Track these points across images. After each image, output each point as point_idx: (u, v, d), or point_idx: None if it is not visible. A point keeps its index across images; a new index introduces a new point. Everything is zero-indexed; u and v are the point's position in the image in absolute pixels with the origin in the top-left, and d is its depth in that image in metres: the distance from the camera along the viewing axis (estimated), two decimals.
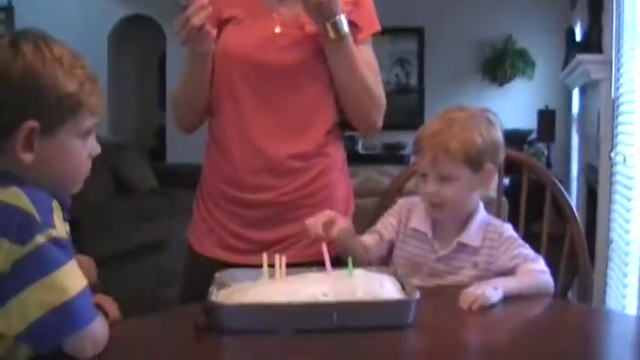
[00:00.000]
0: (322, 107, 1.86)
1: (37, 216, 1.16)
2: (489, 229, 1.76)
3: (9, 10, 8.04)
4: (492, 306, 1.53)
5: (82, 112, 1.25)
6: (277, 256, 1.50)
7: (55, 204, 1.22)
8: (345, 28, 1.78)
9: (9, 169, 1.22)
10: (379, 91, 1.93)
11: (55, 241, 1.17)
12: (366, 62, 1.90)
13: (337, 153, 1.95)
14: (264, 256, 1.52)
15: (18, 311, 1.15)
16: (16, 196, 1.17)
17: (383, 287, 1.46)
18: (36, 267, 1.15)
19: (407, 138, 7.24)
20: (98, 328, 1.22)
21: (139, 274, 5.33)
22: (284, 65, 1.80)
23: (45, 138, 1.22)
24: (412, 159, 1.80)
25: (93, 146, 1.32)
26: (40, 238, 1.15)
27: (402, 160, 7.16)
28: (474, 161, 1.69)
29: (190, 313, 1.42)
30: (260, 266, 1.55)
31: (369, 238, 1.81)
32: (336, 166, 1.94)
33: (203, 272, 1.60)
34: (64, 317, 1.17)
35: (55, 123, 1.22)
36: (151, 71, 9.18)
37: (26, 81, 1.19)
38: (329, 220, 1.66)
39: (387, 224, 1.83)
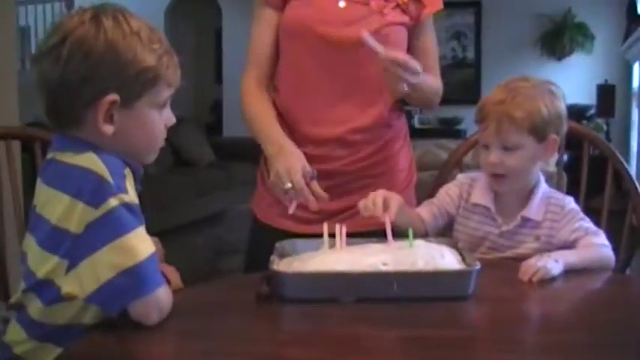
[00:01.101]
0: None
1: (110, 180, 1.20)
2: (551, 202, 1.75)
3: None
4: (553, 279, 1.52)
5: (160, 85, 1.29)
6: (338, 226, 1.52)
7: (128, 171, 1.26)
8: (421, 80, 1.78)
9: (86, 138, 1.26)
10: (439, 84, 1.95)
11: (127, 206, 1.21)
12: (428, 51, 1.93)
13: (400, 124, 1.97)
14: (325, 226, 1.54)
15: (90, 272, 1.19)
16: (90, 160, 1.22)
17: (443, 258, 1.46)
18: (108, 229, 1.19)
19: (463, 113, 7.20)
20: (163, 295, 1.25)
21: (198, 246, 5.42)
22: (349, 39, 1.80)
23: (124, 110, 1.26)
24: (476, 129, 1.78)
25: (169, 117, 1.35)
26: (113, 202, 1.19)
27: (458, 135, 7.11)
28: (539, 131, 1.68)
29: (252, 281, 1.44)
30: (321, 236, 1.56)
31: (425, 210, 1.82)
32: (399, 137, 1.96)
33: (267, 241, 1.62)
34: (133, 280, 1.20)
35: (134, 96, 1.26)
36: (208, 46, 9.25)
37: (107, 56, 1.23)
38: (383, 200, 1.66)
39: (446, 198, 1.83)
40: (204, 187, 6.23)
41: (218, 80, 8.82)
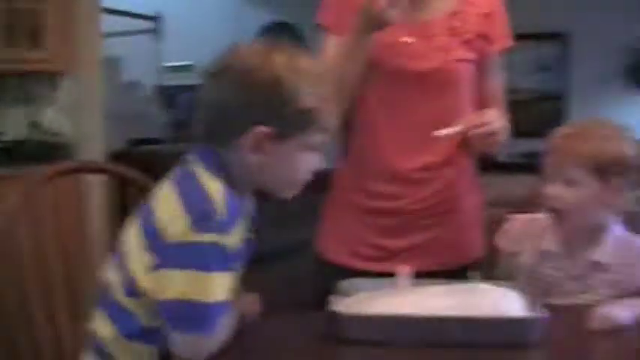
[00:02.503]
0: (452, 118, 1.82)
1: (221, 217, 1.22)
2: (625, 245, 1.69)
3: (158, 19, 8.40)
4: (625, 328, 1.46)
5: (314, 128, 1.30)
6: (401, 267, 1.51)
7: (245, 218, 1.29)
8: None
9: (230, 160, 1.29)
10: (506, 123, 1.89)
11: (222, 248, 1.22)
12: (495, 89, 1.93)
13: (467, 162, 1.93)
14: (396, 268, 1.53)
15: (164, 282, 1.22)
16: (217, 190, 1.24)
17: (509, 303, 1.42)
18: (193, 257, 1.21)
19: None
20: (213, 345, 1.26)
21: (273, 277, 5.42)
22: (413, 73, 1.78)
23: (275, 144, 1.28)
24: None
25: (317, 161, 1.36)
26: (211, 237, 1.21)
27: (540, 170, 6.96)
28: (603, 171, 1.63)
29: (312, 320, 1.44)
30: (386, 274, 1.56)
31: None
32: (465, 175, 1.93)
33: (330, 278, 1.61)
34: (194, 314, 1.22)
35: (288, 133, 1.28)
36: None
37: (271, 89, 1.25)
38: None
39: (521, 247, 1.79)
40: (281, 217, 6.25)
41: None
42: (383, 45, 1.80)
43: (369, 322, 1.38)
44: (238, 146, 1.27)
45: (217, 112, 1.29)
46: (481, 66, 1.88)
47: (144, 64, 8.75)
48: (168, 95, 8.97)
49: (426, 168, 1.83)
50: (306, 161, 1.33)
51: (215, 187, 1.25)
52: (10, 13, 3.87)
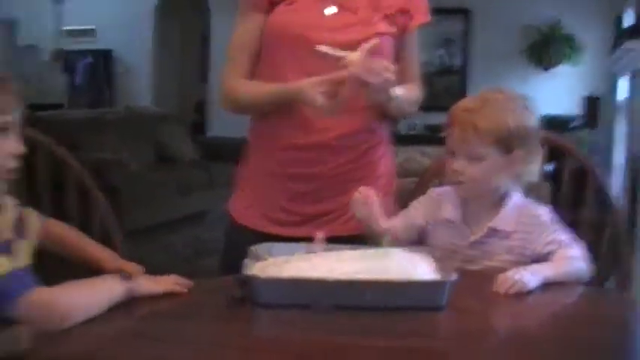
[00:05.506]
0: None
1: None
2: (524, 212, 1.73)
3: None
4: (529, 292, 1.51)
5: None
6: (318, 233, 1.52)
7: None
8: (398, 94, 1.79)
9: None
10: (420, 93, 1.95)
11: None
12: (412, 61, 1.95)
13: (382, 131, 1.96)
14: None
15: None
16: None
17: (417, 267, 1.45)
18: None
19: None
20: (36, 298, 1.27)
21: (177, 245, 5.39)
22: (335, 45, 1.75)
23: None
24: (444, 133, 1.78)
25: (12, 144, 1.36)
26: None
27: (443, 142, 7.08)
28: (503, 144, 1.66)
29: (225, 284, 1.44)
30: (298, 239, 1.57)
31: (398, 221, 1.81)
32: (381, 144, 1.95)
33: (243, 243, 1.61)
34: None
35: None
36: (193, 45, 9.24)
37: None
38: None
39: (417, 212, 1.82)
40: (186, 185, 6.19)
41: (203, 80, 8.81)
42: (304, 17, 1.80)
43: (281, 285, 1.39)
44: None
45: None
46: (400, 40, 1.91)
47: (43, 28, 8.48)
48: (68, 60, 8.73)
49: (345, 136, 1.84)
50: None
51: None
52: None
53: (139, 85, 8.66)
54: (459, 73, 8.06)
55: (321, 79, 1.68)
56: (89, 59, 8.76)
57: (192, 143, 7.19)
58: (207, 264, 4.46)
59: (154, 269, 1.50)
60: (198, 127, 8.60)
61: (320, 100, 1.67)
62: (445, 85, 7.78)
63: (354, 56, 1.67)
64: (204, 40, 8.65)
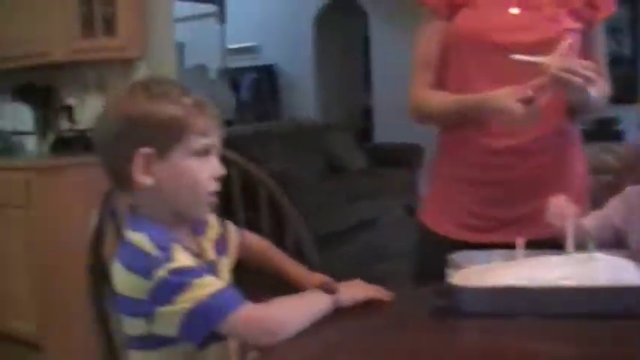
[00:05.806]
0: None
1: (156, 254, 1.29)
2: None
3: (220, 2, 8.44)
4: None
5: (190, 134, 1.34)
6: (518, 239, 1.50)
7: (176, 245, 1.33)
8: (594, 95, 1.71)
9: (137, 205, 1.39)
10: (608, 89, 1.89)
11: (176, 271, 1.28)
12: (600, 55, 1.89)
13: (573, 129, 1.92)
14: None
15: (165, 318, 1.29)
16: (140, 240, 1.32)
17: (627, 272, 1.40)
18: (166, 293, 1.28)
19: (621, 112, 6.89)
20: (251, 314, 1.31)
21: (350, 252, 5.44)
22: (524, 47, 1.73)
23: (160, 162, 1.34)
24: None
25: (214, 167, 1.40)
26: (161, 272, 1.27)
27: (617, 137, 6.79)
28: None
29: (424, 294, 1.45)
30: (492, 246, 1.56)
31: (591, 221, 1.73)
32: (573, 143, 1.91)
33: (436, 250, 1.61)
34: (203, 313, 1.28)
35: (165, 146, 1.34)
36: (355, 54, 9.32)
37: (135, 114, 1.33)
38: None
39: (614, 211, 1.73)
40: (356, 193, 6.25)
41: (366, 88, 8.87)
42: (489, 19, 1.78)
43: (487, 294, 1.37)
44: (132, 178, 1.33)
45: (103, 151, 1.38)
46: (586, 35, 1.85)
47: (208, 48, 8.82)
48: (233, 77, 9.03)
49: (536, 140, 1.80)
50: (200, 169, 1.37)
51: (138, 239, 1.32)
52: (84, 4, 3.93)
53: (303, 96, 8.83)
54: (628, 63, 7.71)
55: (518, 87, 1.66)
56: (253, 75, 9.03)
57: (360, 150, 7.24)
58: (382, 270, 4.48)
59: (334, 277, 1.53)
60: (364, 133, 8.65)
61: (519, 109, 1.64)
62: (615, 77, 7.47)
63: (550, 60, 1.62)
64: (366, 43, 8.68)
